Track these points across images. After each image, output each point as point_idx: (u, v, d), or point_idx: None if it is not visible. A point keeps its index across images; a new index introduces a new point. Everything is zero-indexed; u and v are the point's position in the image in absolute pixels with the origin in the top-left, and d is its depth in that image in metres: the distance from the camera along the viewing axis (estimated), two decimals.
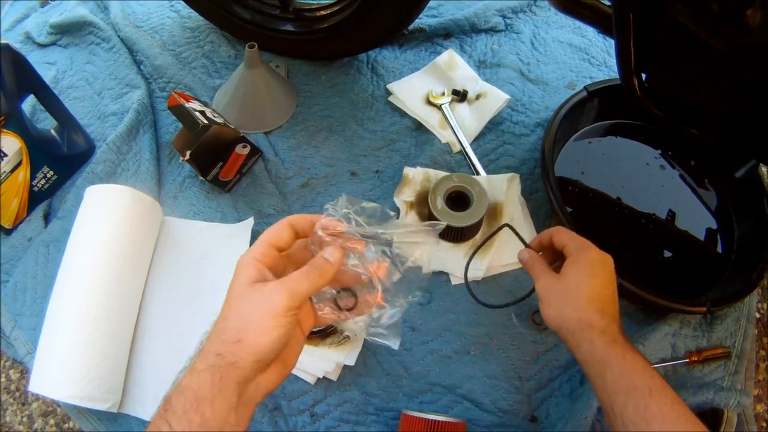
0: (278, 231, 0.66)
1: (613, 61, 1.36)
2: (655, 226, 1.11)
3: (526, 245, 0.91)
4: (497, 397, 1.00)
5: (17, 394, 1.18)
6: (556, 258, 0.87)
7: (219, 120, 1.11)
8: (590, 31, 1.43)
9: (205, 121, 1.06)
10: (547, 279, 0.83)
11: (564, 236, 0.86)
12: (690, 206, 1.14)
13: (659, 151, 1.18)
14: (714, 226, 1.12)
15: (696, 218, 1.12)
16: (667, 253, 1.09)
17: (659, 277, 1.06)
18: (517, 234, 0.93)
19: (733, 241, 1.10)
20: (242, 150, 1.16)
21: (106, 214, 1.07)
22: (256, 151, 1.20)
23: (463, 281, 1.07)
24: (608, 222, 1.12)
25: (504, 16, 1.44)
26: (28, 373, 1.10)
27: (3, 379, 1.20)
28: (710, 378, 1.00)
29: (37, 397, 1.16)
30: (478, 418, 0.99)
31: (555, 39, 1.42)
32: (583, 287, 0.79)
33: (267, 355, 0.60)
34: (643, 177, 1.16)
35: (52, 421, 1.16)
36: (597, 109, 1.19)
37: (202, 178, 1.14)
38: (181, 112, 1.08)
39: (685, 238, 1.11)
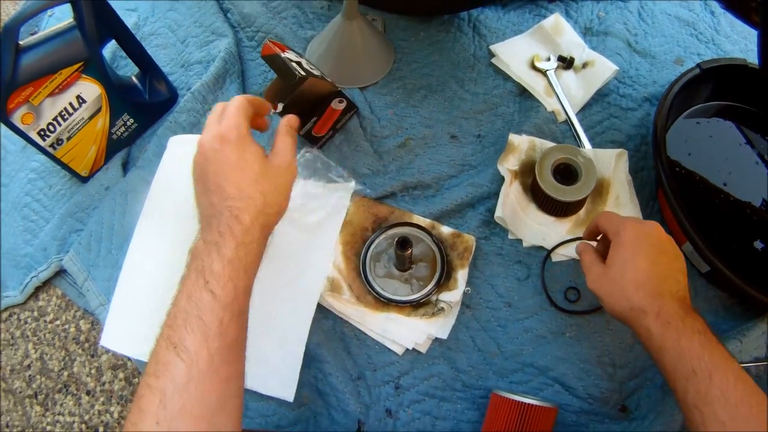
0: (247, 108, 0.82)
1: (720, 39, 1.34)
2: (759, 217, 1.09)
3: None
4: (589, 383, 1.00)
5: (86, 345, 1.21)
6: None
7: (316, 72, 1.11)
8: (698, 5, 1.40)
9: (303, 73, 1.06)
10: (594, 273, 0.85)
11: (603, 220, 0.87)
12: None
13: (766, 138, 1.16)
14: None
15: None
16: (761, 244, 1.07)
17: (762, 272, 1.03)
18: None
19: None
20: (338, 105, 1.16)
21: (190, 167, 1.06)
22: (351, 107, 1.20)
23: (565, 257, 1.07)
24: (712, 208, 1.10)
25: None
26: (99, 325, 1.13)
27: (72, 330, 1.22)
28: None
29: (106, 350, 1.17)
30: (568, 403, 0.99)
31: (662, 11, 1.39)
32: (628, 272, 0.79)
33: None
34: (750, 164, 1.14)
35: (121, 375, 1.18)
36: (708, 88, 1.17)
37: None
38: (275, 62, 1.08)
39: None
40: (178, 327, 0.66)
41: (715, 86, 1.17)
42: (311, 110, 1.13)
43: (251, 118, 0.83)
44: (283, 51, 1.09)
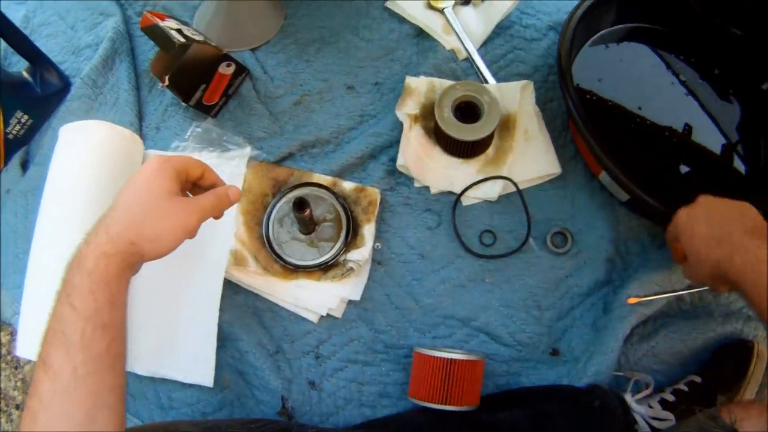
0: (196, 164, 0.79)
1: None
2: (677, 140, 1.06)
3: None
4: (516, 328, 0.97)
5: (9, 358, 1.17)
6: None
7: (198, 38, 1.06)
8: None
9: (183, 40, 1.01)
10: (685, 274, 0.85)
11: (669, 238, 0.87)
12: (710, 120, 1.08)
13: (681, 58, 1.12)
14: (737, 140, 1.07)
15: (717, 133, 1.07)
16: (685, 168, 1.04)
17: (683, 196, 0.99)
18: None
19: (759, 159, 1.04)
20: (226, 69, 1.11)
21: (81, 153, 1.03)
22: (242, 70, 1.16)
23: (476, 200, 1.03)
24: (628, 134, 1.07)
25: None
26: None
27: None
28: (737, 306, 0.99)
29: (29, 360, 1.13)
30: (496, 353, 0.97)
31: None
32: (696, 245, 0.78)
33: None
34: (665, 86, 1.11)
35: None
36: (615, 11, 1.12)
37: (184, 104, 1.10)
38: (155, 33, 1.03)
39: (704, 154, 1.05)
40: (46, 344, 0.66)
41: (622, 9, 1.11)
42: (199, 78, 1.08)
43: (194, 175, 0.80)
44: (163, 20, 1.04)
